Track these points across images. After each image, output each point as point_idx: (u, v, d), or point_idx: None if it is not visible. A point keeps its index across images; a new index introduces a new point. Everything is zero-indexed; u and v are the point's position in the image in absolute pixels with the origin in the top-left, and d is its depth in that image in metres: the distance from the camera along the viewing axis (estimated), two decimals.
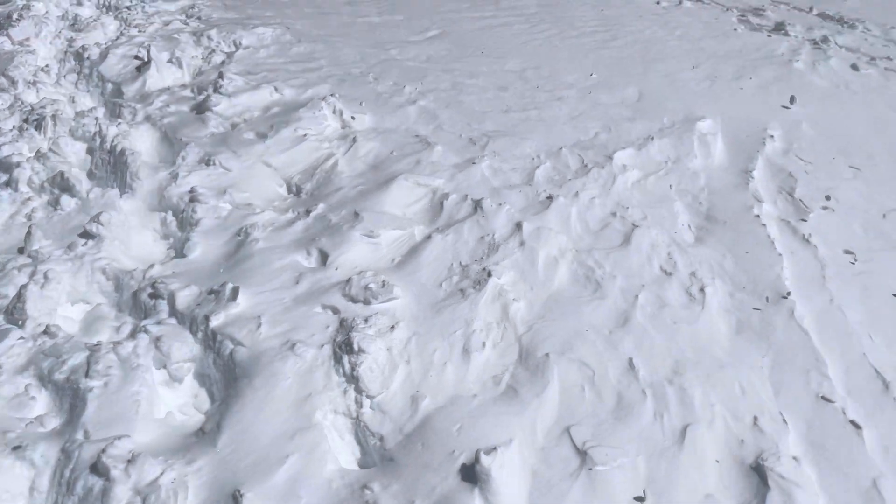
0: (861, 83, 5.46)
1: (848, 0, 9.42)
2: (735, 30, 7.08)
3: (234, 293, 2.22)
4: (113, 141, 3.20)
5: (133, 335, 2.09)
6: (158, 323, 2.16)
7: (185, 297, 2.26)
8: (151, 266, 2.45)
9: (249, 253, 2.54)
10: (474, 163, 3.49)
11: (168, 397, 2.00)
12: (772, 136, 4.12)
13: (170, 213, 2.88)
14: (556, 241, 2.78)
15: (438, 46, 5.53)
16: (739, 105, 4.69)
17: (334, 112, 3.82)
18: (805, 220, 3.16)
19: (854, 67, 5.96)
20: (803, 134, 4.23)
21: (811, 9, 8.58)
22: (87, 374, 1.90)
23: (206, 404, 2.02)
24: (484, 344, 2.18)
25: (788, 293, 2.54)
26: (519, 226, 2.84)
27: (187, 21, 5.31)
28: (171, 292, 2.28)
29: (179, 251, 2.63)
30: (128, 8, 5.40)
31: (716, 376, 2.12)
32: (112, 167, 3.13)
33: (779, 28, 7.21)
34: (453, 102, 4.38)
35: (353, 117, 3.78)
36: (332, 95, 3.98)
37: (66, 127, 3.39)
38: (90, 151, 3.29)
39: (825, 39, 6.89)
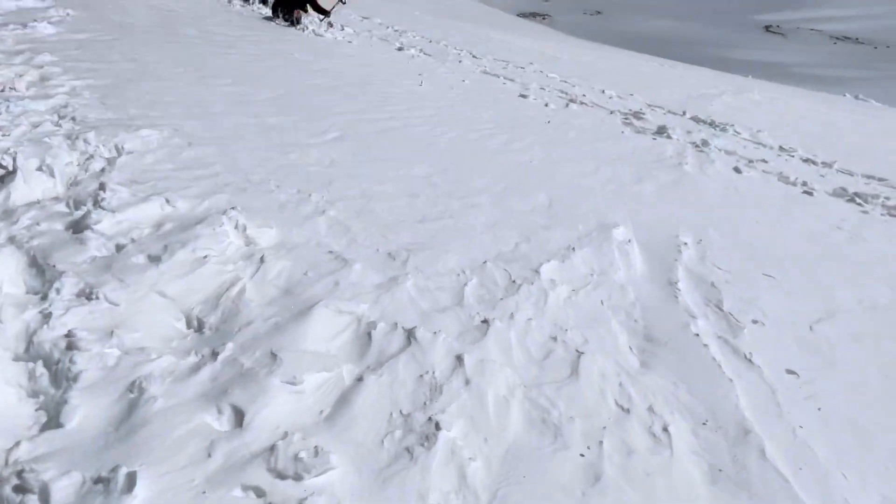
0: (747, 186, 5.77)
1: (713, 104, 10.25)
2: (622, 132, 7.40)
3: (131, 481, 1.76)
4: None
5: None
6: None
7: (63, 490, 1.76)
8: (17, 444, 1.93)
9: (146, 416, 2.07)
10: (398, 282, 3.22)
11: None
12: (685, 244, 4.15)
13: (40, 363, 2.35)
14: (503, 375, 2.52)
15: (340, 150, 5.31)
16: (645, 210, 4.76)
17: (237, 227, 3.44)
18: (741, 337, 3.10)
19: (737, 170, 6.32)
20: (712, 240, 4.30)
21: (684, 112, 9.20)
22: None
23: None
24: None
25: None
26: (460, 359, 2.56)
27: (60, 122, 4.77)
28: (44, 484, 1.77)
29: (54, 416, 2.12)
30: None
31: None
32: None
33: (661, 131, 7.62)
34: (364, 211, 4.12)
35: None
36: (232, 208, 3.60)
37: None
38: None
39: (705, 143, 7.32)
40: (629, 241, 4.10)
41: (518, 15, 41.79)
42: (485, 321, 2.94)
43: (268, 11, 13.14)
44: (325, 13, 12.38)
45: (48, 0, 10.27)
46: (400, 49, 11.52)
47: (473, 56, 12.20)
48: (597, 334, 2.99)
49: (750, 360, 2.90)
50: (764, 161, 6.70)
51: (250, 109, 6.19)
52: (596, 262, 3.75)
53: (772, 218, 4.98)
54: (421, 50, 11.80)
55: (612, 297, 3.40)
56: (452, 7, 33.63)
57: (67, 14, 9.52)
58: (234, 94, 6.72)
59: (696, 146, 7.00)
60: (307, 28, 11.69)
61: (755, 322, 3.27)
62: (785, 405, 2.59)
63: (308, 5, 12.30)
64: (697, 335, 3.05)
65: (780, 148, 7.52)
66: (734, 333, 3.14)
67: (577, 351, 2.79)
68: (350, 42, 11.50)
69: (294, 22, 11.97)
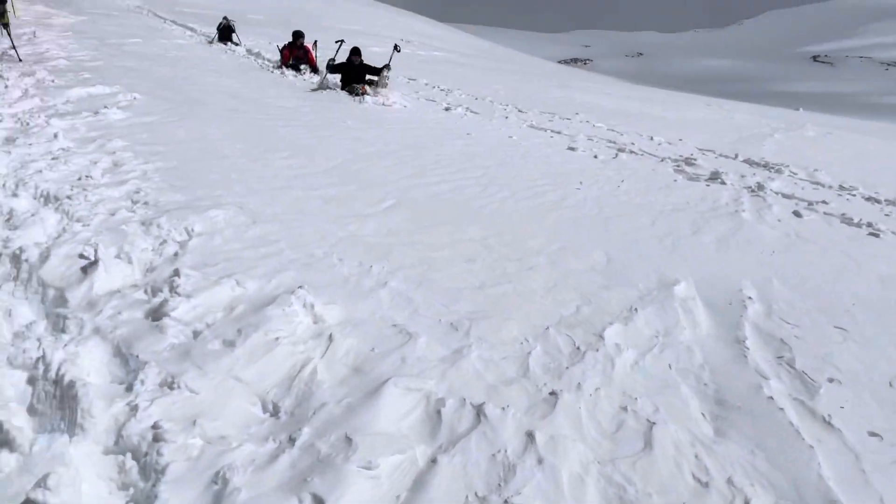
0: (809, 231, 5.64)
1: (765, 145, 10.10)
2: (675, 181, 7.36)
3: None
4: (59, 369, 2.81)
5: None
6: None
7: None
8: None
9: None
10: (462, 354, 3.26)
11: None
12: (750, 298, 4.08)
13: (129, 455, 2.47)
14: (576, 451, 2.51)
15: (397, 218, 5.44)
16: (706, 264, 4.70)
17: (305, 306, 3.56)
18: (817, 398, 3.01)
19: (797, 214, 6.19)
20: (777, 293, 4.21)
21: (736, 155, 9.09)
22: None
23: None
24: None
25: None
26: (531, 436, 2.57)
27: (134, 208, 5.06)
28: None
29: None
30: (69, 198, 5.12)
31: None
32: (58, 402, 2.71)
33: (714, 177, 7.54)
34: (424, 281, 4.20)
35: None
36: (300, 287, 3.73)
37: (3, 353, 2.98)
38: (31, 381, 2.87)
39: (760, 186, 7.21)
40: (692, 297, 4.05)
41: (559, 62, 42.25)
42: (552, 393, 2.94)
43: (316, 81, 13.62)
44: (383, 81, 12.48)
45: (115, 86, 10.94)
46: (447, 109, 11.79)
47: (519, 111, 12.40)
48: (667, 401, 2.96)
49: (829, 423, 2.81)
50: (824, 202, 6.56)
51: (308, 182, 6.42)
52: (660, 323, 3.72)
53: (838, 264, 4.85)
54: (468, 108, 12.04)
55: (679, 359, 3.36)
56: (495, 58, 34.32)
57: (134, 98, 10.11)
58: (292, 167, 6.99)
59: (752, 190, 6.91)
60: (364, 100, 11.75)
61: (831, 380, 3.18)
62: (871, 473, 2.50)
63: (370, 82, 12.42)
64: (771, 398, 2.97)
65: (840, 187, 7.35)
66: (810, 394, 3.06)
67: (648, 421, 2.76)
68: (401, 106, 11.83)
69: (358, 93, 12.04)
